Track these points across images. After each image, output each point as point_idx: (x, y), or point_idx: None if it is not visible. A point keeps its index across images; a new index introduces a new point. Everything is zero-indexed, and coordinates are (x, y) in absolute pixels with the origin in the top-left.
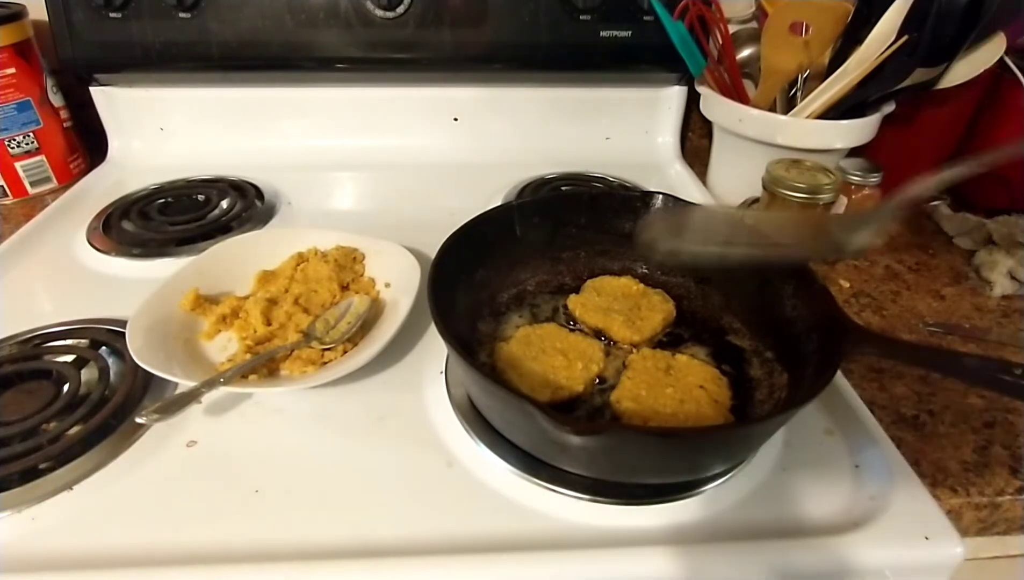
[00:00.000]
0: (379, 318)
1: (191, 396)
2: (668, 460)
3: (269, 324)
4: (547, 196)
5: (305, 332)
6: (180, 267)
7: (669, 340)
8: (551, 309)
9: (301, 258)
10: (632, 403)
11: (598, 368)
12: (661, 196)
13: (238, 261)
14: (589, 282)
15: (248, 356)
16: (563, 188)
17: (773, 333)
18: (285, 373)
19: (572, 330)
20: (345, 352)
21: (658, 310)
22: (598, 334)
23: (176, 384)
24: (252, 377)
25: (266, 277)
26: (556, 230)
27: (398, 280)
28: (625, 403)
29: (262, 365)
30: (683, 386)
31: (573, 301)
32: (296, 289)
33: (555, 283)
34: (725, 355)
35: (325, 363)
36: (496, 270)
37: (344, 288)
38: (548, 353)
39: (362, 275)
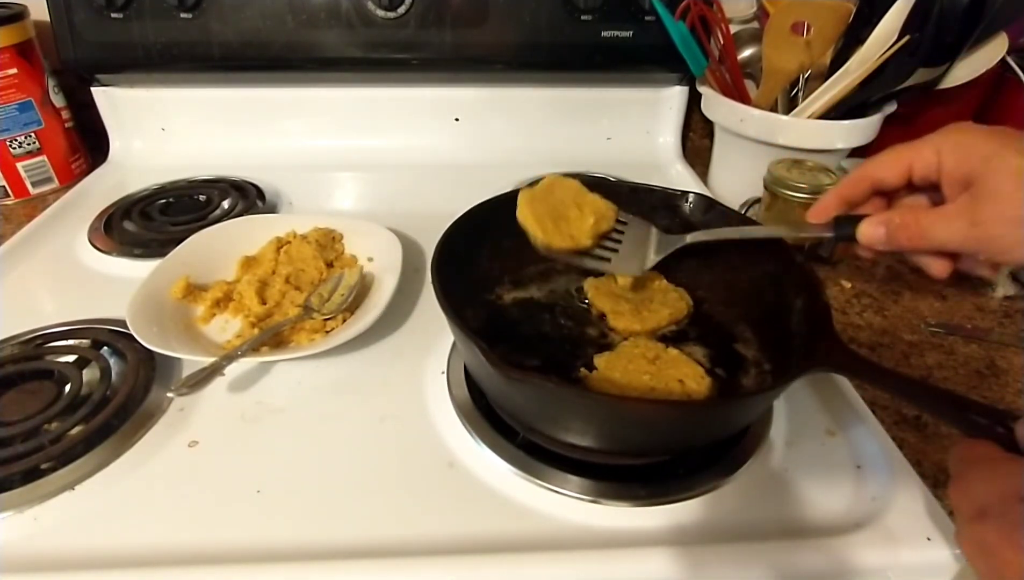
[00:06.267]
0: (371, 288)
1: (215, 369)
2: (592, 425)
3: (264, 303)
4: (590, 179)
5: (304, 305)
6: (162, 260)
7: (673, 336)
8: (569, 287)
9: (280, 241)
10: (603, 383)
11: (608, 225)
12: (694, 196)
13: (218, 249)
14: None
15: (256, 331)
16: (609, 179)
17: (778, 346)
18: (294, 345)
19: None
20: (344, 321)
21: (669, 305)
22: (602, 317)
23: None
24: (264, 348)
25: (248, 262)
26: None
27: (380, 254)
28: (593, 380)
29: (270, 339)
30: (662, 376)
31: (589, 282)
32: (284, 270)
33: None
34: (726, 361)
35: (329, 332)
36: (529, 244)
37: (328, 265)
38: (566, 204)
39: (343, 253)
